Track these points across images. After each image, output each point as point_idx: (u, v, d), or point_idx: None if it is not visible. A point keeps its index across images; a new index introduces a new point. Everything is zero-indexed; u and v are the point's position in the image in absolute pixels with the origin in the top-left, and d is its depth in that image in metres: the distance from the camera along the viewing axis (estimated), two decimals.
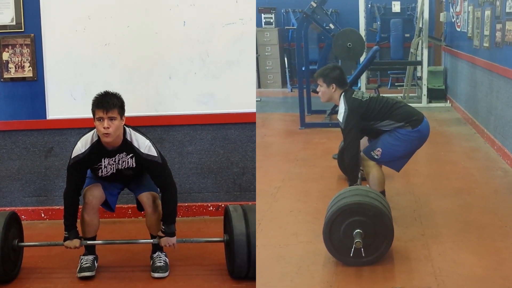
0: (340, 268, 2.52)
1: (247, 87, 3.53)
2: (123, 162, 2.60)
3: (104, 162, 2.60)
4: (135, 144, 2.57)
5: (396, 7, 8.31)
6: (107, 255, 2.90)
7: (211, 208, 3.68)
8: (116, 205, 2.83)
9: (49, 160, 3.61)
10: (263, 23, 8.36)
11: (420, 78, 6.98)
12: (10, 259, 2.61)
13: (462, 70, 6.21)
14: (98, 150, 2.56)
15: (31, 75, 3.50)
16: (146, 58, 3.48)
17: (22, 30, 3.46)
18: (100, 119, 2.45)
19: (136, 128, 2.65)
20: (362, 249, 2.45)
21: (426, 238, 2.79)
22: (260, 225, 2.94)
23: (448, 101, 6.86)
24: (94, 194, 2.66)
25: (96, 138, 2.55)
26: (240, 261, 2.52)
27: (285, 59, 8.38)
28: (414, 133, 2.93)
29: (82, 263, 2.69)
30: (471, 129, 5.42)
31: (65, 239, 2.62)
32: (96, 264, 2.74)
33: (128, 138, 2.57)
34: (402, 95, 7.01)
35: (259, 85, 8.23)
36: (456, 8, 6.57)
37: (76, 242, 2.61)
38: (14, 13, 3.45)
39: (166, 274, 2.68)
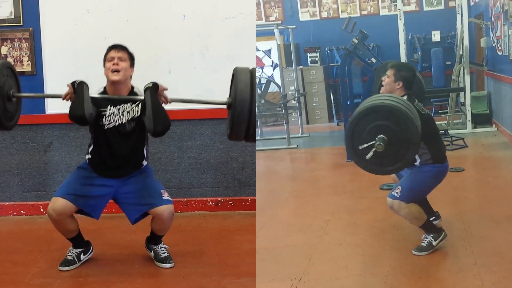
0: None
1: None
2: (127, 113, 2.59)
3: (110, 110, 2.58)
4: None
5: (436, 37, 8.34)
6: (107, 249, 2.89)
7: (211, 203, 3.67)
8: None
9: (48, 155, 3.59)
10: (309, 62, 8.60)
11: (464, 104, 6.91)
12: (6, 109, 2.45)
13: (506, 94, 6.03)
14: (105, 97, 2.60)
15: (30, 69, 3.49)
16: (145, 52, 3.43)
17: (21, 24, 3.45)
18: (111, 59, 2.54)
19: None
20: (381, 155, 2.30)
21: (478, 267, 2.60)
22: (311, 259, 2.88)
23: (494, 125, 6.73)
24: (55, 208, 2.52)
25: (103, 90, 2.60)
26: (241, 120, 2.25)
27: (331, 94, 8.58)
28: (435, 168, 2.80)
29: (66, 255, 2.67)
30: None
31: None
32: (83, 257, 2.68)
33: (137, 91, 2.65)
34: (446, 122, 6.96)
35: (307, 121, 8.51)
36: (496, 32, 6.49)
37: (69, 87, 2.56)
38: (12, 6, 3.44)
39: (173, 263, 2.69)
